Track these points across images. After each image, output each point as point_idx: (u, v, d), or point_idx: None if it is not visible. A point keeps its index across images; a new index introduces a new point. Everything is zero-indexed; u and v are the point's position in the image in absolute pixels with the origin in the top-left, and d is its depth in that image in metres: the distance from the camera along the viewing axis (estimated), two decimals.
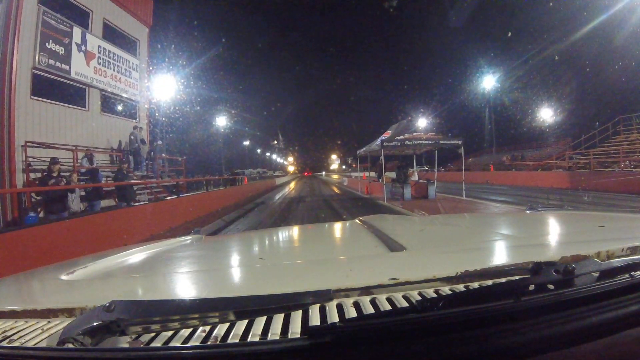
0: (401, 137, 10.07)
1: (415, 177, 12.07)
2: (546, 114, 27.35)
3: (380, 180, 13.30)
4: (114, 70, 13.32)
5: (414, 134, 10.19)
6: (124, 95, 13.70)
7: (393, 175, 13.32)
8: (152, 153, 12.14)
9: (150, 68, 15.77)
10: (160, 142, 13.19)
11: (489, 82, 31.38)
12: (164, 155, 12.49)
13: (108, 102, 13.08)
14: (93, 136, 12.07)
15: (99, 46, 12.75)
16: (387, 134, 11.30)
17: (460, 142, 10.29)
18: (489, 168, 23.51)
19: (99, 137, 12.36)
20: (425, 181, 11.21)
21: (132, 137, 11.51)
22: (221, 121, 32.96)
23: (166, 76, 17.22)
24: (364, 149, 13.01)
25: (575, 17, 21.85)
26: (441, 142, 10.10)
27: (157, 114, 17.07)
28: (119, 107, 13.65)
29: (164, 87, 16.88)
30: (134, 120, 14.03)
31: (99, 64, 12.68)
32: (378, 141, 10.86)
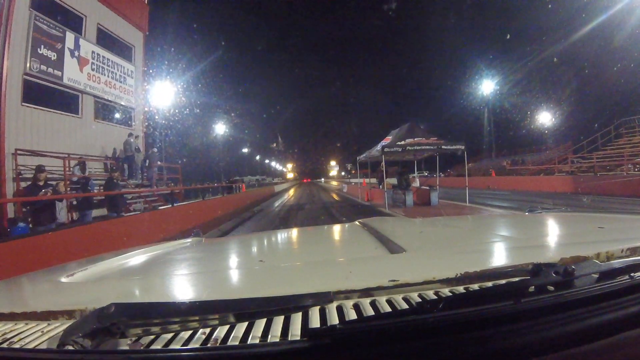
0: (402, 142, 9.90)
1: (416, 183, 11.87)
2: (545, 118, 27.36)
3: (380, 186, 13.12)
4: (108, 76, 13.20)
5: (415, 139, 10.01)
6: (119, 101, 13.57)
7: (393, 181, 13.17)
8: (148, 161, 11.91)
9: (150, 72, 15.68)
10: (155, 149, 12.96)
11: (488, 86, 31.30)
12: (159, 162, 12.24)
13: (102, 109, 12.94)
14: (87, 144, 11.89)
15: (93, 52, 12.63)
16: (388, 139, 11.16)
17: (462, 147, 10.14)
18: (489, 173, 23.35)
19: (92, 144, 12.18)
20: (427, 187, 11.01)
21: (127, 145, 11.29)
22: (220, 127, 32.85)
23: (163, 82, 17.13)
24: (364, 155, 12.85)
25: (574, 19, 21.94)
26: (443, 146, 9.93)
27: (155, 120, 16.91)
28: (114, 114, 13.52)
29: (160, 93, 16.79)
30: (129, 128, 13.87)
31: (93, 69, 12.56)
32: (378, 147, 10.70)
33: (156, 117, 17.01)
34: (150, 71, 16.27)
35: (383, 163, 10.48)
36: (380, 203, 11.82)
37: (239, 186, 20.03)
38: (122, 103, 13.72)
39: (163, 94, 16.97)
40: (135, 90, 14.49)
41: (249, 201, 16.98)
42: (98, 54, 12.87)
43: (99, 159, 12.05)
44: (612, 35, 19.51)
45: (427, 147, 9.96)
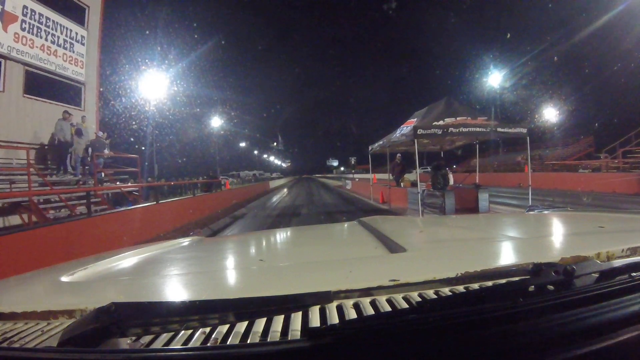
0: (441, 122, 7.10)
1: (451, 181, 9.04)
2: (558, 112, 25.70)
3: (402, 184, 10.32)
4: (46, 39, 10.34)
5: (458, 118, 7.22)
6: (63, 73, 10.73)
7: (409, 176, 10.52)
8: (90, 149, 9.00)
9: (111, 41, 12.74)
10: (103, 134, 10.04)
11: (494, 78, 27.44)
12: (106, 151, 9.33)
13: (36, 82, 10.08)
14: (11, 126, 9.05)
15: (25, 7, 9.78)
16: (411, 122, 8.33)
17: (524, 130, 7.38)
18: (521, 168, 20.54)
19: (20, 127, 9.40)
20: (472, 186, 8.19)
21: (59, 129, 8.41)
22: (208, 115, 29.83)
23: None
24: (380, 142, 10.07)
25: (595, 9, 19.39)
26: (499, 129, 7.16)
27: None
28: (55, 89, 10.57)
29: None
30: (76, 108, 10.98)
31: (24, 29, 9.71)
32: (405, 130, 7.90)
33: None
34: (113, 40, 13.40)
35: (416, 151, 7.60)
36: (403, 207, 9.08)
37: (222, 182, 17.04)
38: (68, 75, 10.85)
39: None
40: (88, 60, 11.59)
41: (234, 200, 14.20)
42: (33, 11, 9.99)
43: (31, 146, 9.10)
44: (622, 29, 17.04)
45: (477, 129, 7.19)
